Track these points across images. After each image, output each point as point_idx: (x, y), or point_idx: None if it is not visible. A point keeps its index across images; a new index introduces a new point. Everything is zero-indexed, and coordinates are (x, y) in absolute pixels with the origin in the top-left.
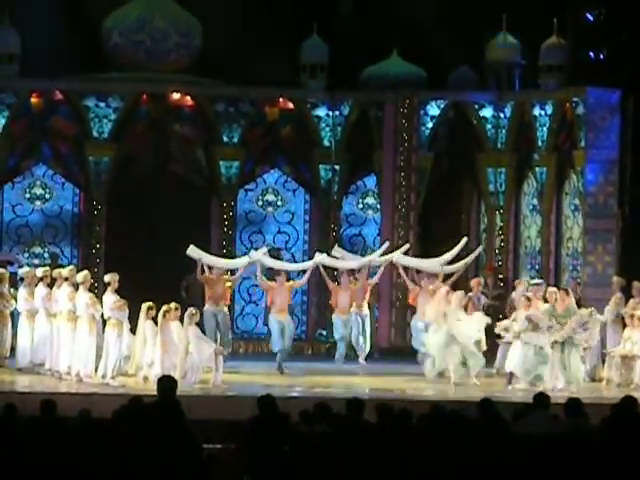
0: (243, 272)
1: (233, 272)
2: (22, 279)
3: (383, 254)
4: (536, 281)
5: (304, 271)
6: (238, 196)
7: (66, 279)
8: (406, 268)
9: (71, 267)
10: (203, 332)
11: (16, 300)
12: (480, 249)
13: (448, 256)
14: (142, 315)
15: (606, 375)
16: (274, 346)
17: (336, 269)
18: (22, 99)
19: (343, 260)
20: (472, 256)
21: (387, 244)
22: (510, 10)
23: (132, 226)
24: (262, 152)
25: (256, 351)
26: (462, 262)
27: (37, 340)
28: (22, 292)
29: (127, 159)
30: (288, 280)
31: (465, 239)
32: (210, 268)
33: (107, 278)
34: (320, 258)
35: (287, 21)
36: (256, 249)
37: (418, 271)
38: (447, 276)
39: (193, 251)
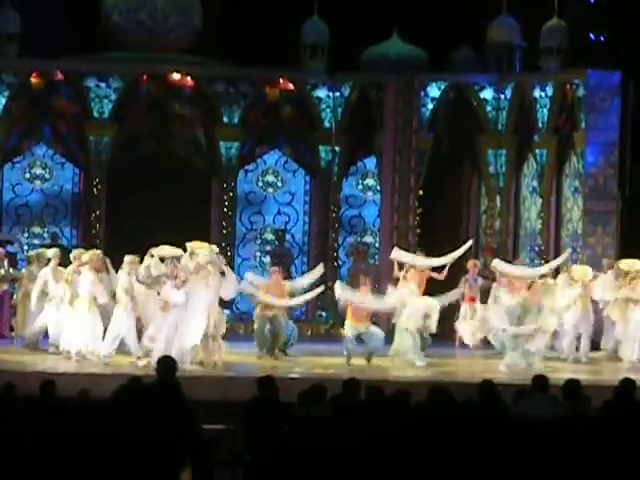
0: None
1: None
2: (28, 259)
3: None
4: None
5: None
6: (238, 177)
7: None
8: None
9: (93, 251)
10: None
11: (16, 280)
12: (470, 242)
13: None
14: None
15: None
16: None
17: None
18: (22, 79)
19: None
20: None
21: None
22: None
23: (132, 206)
24: (262, 133)
25: None
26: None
27: (42, 319)
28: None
29: (127, 139)
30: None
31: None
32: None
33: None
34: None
35: (287, 1)
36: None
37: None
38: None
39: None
